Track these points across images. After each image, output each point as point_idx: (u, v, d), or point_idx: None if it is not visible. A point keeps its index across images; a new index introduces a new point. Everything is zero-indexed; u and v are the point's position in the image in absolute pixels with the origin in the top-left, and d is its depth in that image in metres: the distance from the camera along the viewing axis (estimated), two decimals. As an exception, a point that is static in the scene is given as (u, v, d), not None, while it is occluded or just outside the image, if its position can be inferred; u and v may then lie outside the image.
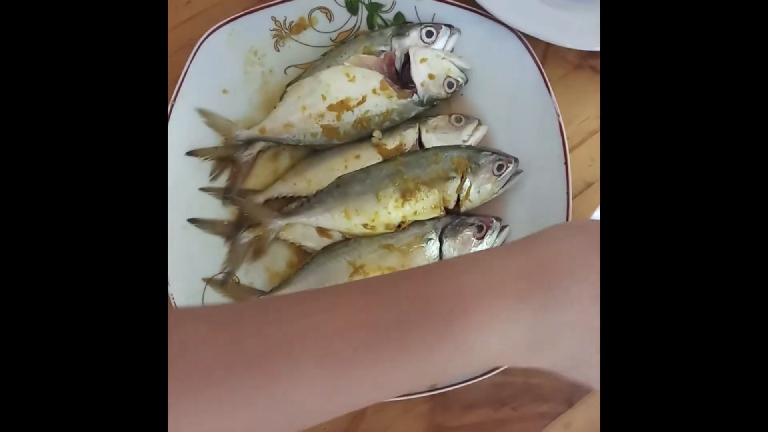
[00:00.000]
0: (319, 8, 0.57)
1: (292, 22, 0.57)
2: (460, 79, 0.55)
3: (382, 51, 0.55)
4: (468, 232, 0.52)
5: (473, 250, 0.52)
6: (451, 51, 0.56)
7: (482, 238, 0.52)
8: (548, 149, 0.54)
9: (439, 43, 0.56)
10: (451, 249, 0.52)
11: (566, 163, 0.53)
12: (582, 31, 0.55)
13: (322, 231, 0.54)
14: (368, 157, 0.54)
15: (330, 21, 0.57)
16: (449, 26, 0.56)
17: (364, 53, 0.55)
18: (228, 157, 0.55)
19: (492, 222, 0.52)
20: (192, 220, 0.54)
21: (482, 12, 0.55)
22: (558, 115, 0.54)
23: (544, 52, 0.58)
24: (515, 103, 0.56)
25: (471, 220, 0.53)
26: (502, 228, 0.53)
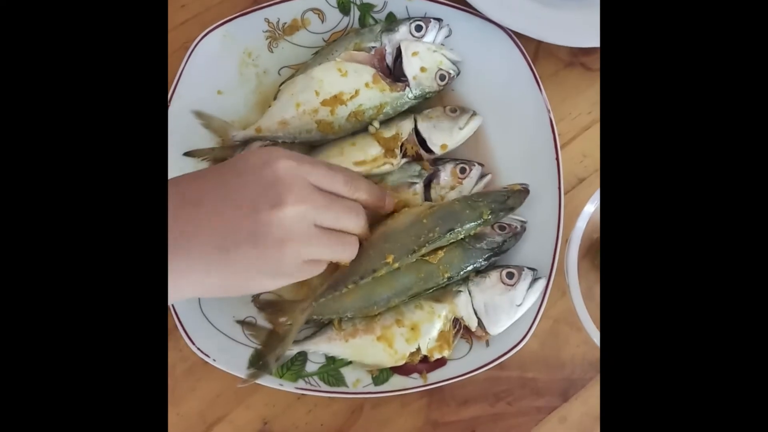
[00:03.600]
0: (312, 9, 0.58)
1: (285, 23, 0.58)
2: (452, 71, 0.55)
3: (373, 47, 0.55)
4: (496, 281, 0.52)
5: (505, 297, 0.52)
6: (441, 45, 0.56)
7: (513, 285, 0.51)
8: (540, 146, 0.54)
9: (429, 37, 0.56)
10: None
11: (557, 159, 0.54)
12: (573, 28, 0.55)
13: None
14: (364, 144, 0.55)
15: (322, 22, 0.58)
16: (438, 20, 0.56)
17: (354, 50, 0.55)
18: (225, 157, 0.56)
19: (523, 270, 0.52)
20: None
21: (473, 11, 0.56)
22: (549, 112, 0.55)
23: (535, 49, 0.59)
24: (507, 101, 0.56)
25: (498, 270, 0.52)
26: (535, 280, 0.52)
